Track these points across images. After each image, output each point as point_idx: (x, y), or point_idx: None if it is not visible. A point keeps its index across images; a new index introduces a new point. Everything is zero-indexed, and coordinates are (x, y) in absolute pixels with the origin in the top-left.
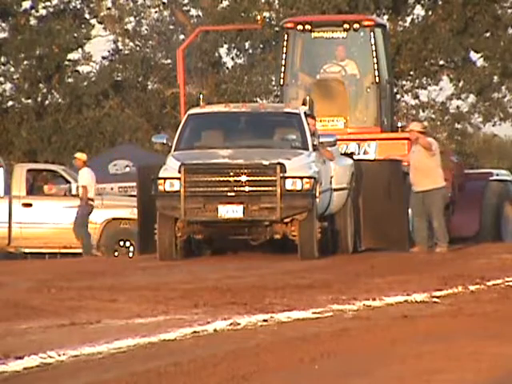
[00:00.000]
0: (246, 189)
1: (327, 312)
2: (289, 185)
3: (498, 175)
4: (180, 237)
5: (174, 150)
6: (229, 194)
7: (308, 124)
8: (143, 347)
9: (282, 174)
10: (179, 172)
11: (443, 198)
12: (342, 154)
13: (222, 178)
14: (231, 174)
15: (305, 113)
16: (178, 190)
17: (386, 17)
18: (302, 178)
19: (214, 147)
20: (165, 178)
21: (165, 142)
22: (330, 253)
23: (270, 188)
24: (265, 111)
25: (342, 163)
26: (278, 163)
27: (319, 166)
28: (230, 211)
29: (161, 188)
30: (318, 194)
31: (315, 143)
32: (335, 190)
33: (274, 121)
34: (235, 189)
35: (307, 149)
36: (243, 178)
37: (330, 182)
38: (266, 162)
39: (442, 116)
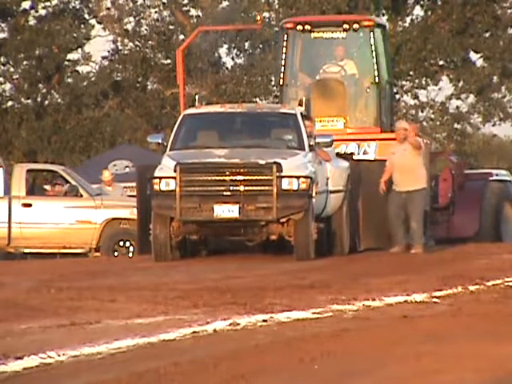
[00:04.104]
0: (242, 188)
1: (327, 312)
2: (285, 184)
3: (497, 175)
4: (175, 237)
5: (170, 150)
6: (225, 193)
7: (305, 125)
8: (143, 347)
9: (278, 174)
10: (175, 171)
11: (424, 199)
12: (339, 155)
13: (217, 178)
14: (227, 173)
15: (301, 113)
16: (174, 189)
17: (385, 17)
18: (298, 177)
19: (209, 147)
20: (160, 178)
21: (160, 141)
22: (326, 254)
23: (266, 188)
24: (261, 111)
25: (338, 165)
26: (275, 162)
27: (315, 167)
28: (226, 211)
29: (156, 187)
30: (314, 194)
31: (311, 144)
32: (331, 192)
33: (270, 121)
34: (231, 188)
35: (303, 149)
36: (239, 178)
37: (327, 184)
38: (262, 162)
39: (442, 116)
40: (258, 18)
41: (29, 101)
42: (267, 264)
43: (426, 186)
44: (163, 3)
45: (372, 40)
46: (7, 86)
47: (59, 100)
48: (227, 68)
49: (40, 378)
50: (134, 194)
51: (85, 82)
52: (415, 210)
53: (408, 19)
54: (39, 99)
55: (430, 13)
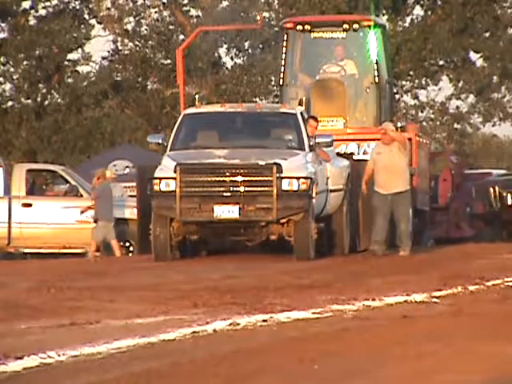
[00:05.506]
0: (242, 189)
1: (327, 312)
2: (285, 185)
3: (497, 175)
4: (175, 237)
5: (170, 150)
6: (225, 194)
7: (305, 124)
8: (143, 347)
9: (278, 175)
10: (175, 172)
11: (410, 200)
12: (339, 155)
13: (217, 178)
14: (227, 174)
15: (301, 113)
16: (174, 190)
17: (385, 17)
18: (298, 178)
19: (209, 147)
20: (160, 178)
21: (160, 142)
22: (327, 254)
23: (266, 188)
24: (261, 111)
25: (338, 164)
26: (275, 163)
27: (315, 167)
28: (226, 211)
29: (156, 188)
30: (314, 195)
31: (311, 143)
32: (331, 191)
33: (270, 121)
34: (231, 189)
35: (303, 149)
36: (239, 178)
37: (326, 183)
38: (262, 162)
39: (442, 116)
40: (258, 17)
41: (29, 101)
42: (267, 264)
43: (410, 187)
44: (163, 3)
45: (372, 40)
46: (7, 86)
47: (59, 100)
48: (227, 68)
49: (40, 377)
50: (134, 193)
51: (85, 82)
52: (403, 212)
53: (408, 19)
54: (39, 99)
55: (430, 13)
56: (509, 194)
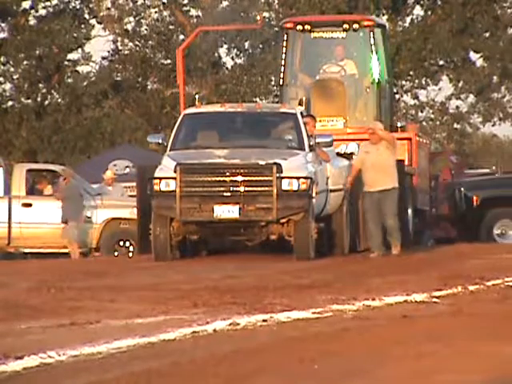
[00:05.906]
0: (242, 189)
1: (327, 312)
2: (285, 185)
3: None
4: (175, 237)
5: (170, 150)
6: (225, 194)
7: (305, 124)
8: (143, 347)
9: (278, 174)
10: (175, 172)
11: (397, 198)
12: (339, 155)
13: (217, 178)
14: (227, 174)
15: (301, 113)
16: (174, 189)
17: (385, 17)
18: (298, 178)
19: (209, 147)
20: (160, 178)
21: (160, 141)
22: (327, 254)
23: (266, 188)
24: (261, 111)
25: (337, 164)
26: (275, 163)
27: (315, 167)
28: (226, 211)
29: (156, 188)
30: (314, 195)
31: (311, 143)
32: (331, 191)
33: (270, 121)
34: (231, 189)
35: (303, 149)
36: (239, 178)
37: (326, 183)
38: (262, 162)
39: (442, 116)
40: (258, 17)
41: (29, 101)
42: (267, 264)
43: (397, 185)
44: (163, 3)
45: (372, 40)
46: (7, 86)
47: (59, 100)
48: (227, 68)
49: (40, 377)
50: (135, 193)
51: (85, 82)
52: (390, 209)
53: (408, 19)
54: (39, 99)
55: (430, 13)
56: (474, 196)
